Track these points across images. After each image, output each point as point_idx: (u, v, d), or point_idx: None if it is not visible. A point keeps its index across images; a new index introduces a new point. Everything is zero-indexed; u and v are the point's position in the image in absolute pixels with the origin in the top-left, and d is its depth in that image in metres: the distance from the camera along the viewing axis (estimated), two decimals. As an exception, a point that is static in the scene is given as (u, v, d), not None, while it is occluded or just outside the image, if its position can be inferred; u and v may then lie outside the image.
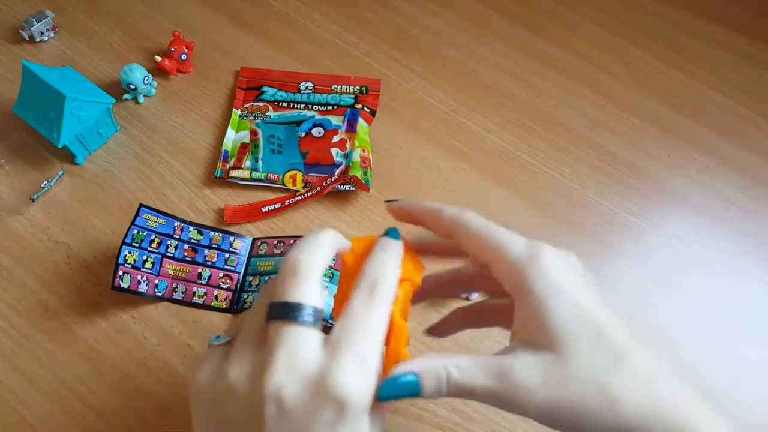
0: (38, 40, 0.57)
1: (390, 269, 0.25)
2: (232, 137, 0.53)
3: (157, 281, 0.45)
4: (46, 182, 0.49)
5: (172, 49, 0.55)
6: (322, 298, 0.24)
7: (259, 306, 0.25)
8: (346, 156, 0.51)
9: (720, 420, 0.22)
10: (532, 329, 0.23)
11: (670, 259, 0.49)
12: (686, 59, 0.60)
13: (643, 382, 0.22)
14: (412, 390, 0.23)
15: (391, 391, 0.23)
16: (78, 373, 0.42)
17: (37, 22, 0.57)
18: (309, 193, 0.49)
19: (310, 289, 0.23)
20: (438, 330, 0.33)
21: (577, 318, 0.23)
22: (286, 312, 0.23)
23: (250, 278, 0.46)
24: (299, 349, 0.22)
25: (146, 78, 0.53)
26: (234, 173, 0.50)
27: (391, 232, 0.27)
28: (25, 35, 0.57)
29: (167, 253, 0.46)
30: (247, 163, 0.51)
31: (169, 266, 0.45)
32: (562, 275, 0.24)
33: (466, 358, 0.23)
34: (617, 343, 0.23)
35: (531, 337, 0.23)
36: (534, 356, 0.23)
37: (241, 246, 0.48)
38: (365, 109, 0.55)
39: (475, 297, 0.43)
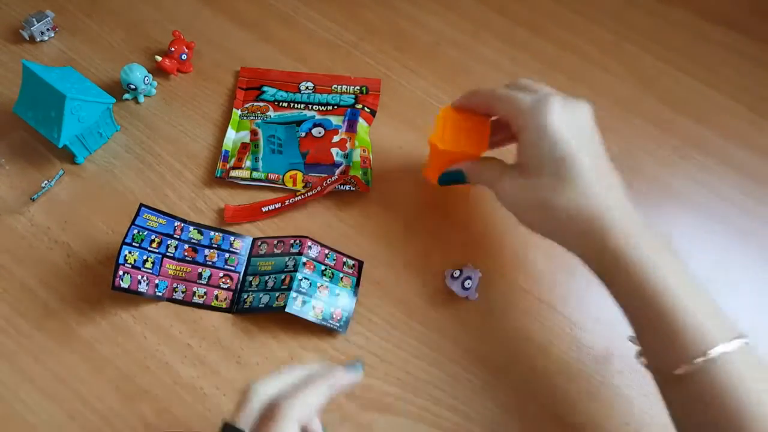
0: (38, 40, 0.57)
1: (304, 402, 0.29)
2: (232, 137, 0.53)
3: (157, 281, 0.45)
4: (46, 182, 0.49)
5: (173, 49, 0.55)
6: None
7: (240, 413, 0.29)
8: (347, 156, 0.51)
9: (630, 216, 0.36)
10: (520, 157, 0.39)
11: (670, 259, 0.49)
12: (686, 59, 0.60)
13: (577, 197, 0.36)
14: (460, 179, 0.43)
15: (451, 177, 0.44)
16: (78, 372, 0.42)
17: (38, 22, 0.57)
18: (309, 193, 0.49)
19: None
20: (460, 102, 0.45)
21: (545, 154, 0.37)
22: None
23: (250, 278, 0.46)
24: None
25: (146, 78, 0.53)
26: (234, 173, 0.50)
27: (355, 366, 0.34)
28: (26, 35, 0.57)
29: (167, 253, 0.46)
30: (248, 163, 0.51)
31: (170, 266, 0.45)
32: (551, 119, 0.37)
33: (491, 163, 0.42)
34: (571, 171, 0.36)
35: (519, 162, 0.39)
36: (515, 173, 0.39)
37: (242, 246, 0.48)
38: (365, 109, 0.55)
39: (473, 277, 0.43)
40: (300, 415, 0.28)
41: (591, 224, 0.35)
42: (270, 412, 0.28)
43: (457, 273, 0.44)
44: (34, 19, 0.57)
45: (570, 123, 0.37)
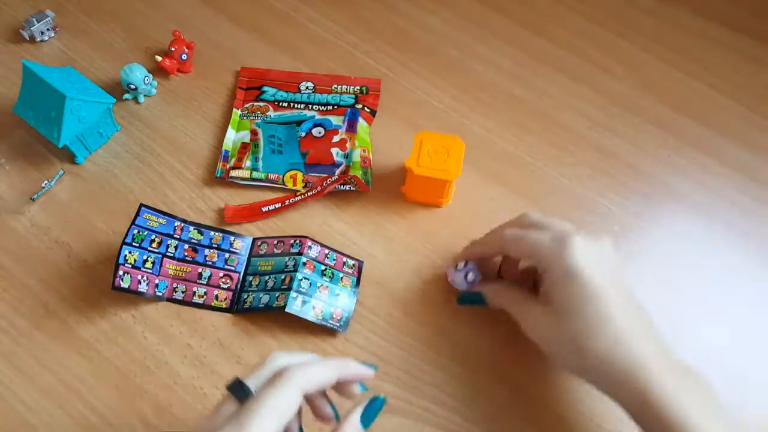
0: (38, 39, 0.57)
1: (314, 374, 0.30)
2: (232, 137, 0.53)
3: (157, 281, 0.45)
4: (46, 182, 0.49)
5: (173, 49, 0.55)
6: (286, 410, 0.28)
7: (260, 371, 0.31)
8: (347, 156, 0.51)
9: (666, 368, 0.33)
10: (547, 295, 0.37)
11: (670, 258, 0.49)
12: (686, 59, 0.60)
13: (612, 344, 0.34)
14: (481, 302, 0.44)
15: (470, 299, 0.45)
16: (78, 372, 0.42)
17: (38, 22, 0.57)
18: (309, 193, 0.49)
19: (278, 400, 0.28)
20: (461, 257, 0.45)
21: (574, 296, 0.35)
22: (240, 395, 0.29)
23: (251, 278, 0.46)
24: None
25: (147, 78, 0.53)
26: (234, 173, 0.50)
27: (369, 365, 0.34)
28: (26, 35, 0.57)
29: (167, 253, 0.46)
30: (248, 162, 0.51)
31: (170, 266, 0.45)
32: (576, 260, 0.35)
33: (515, 292, 0.41)
34: (602, 314, 0.34)
35: (547, 298, 0.37)
36: (543, 307, 0.38)
37: (242, 246, 0.48)
38: (365, 109, 0.55)
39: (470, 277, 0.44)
40: (304, 382, 0.29)
41: (628, 374, 0.33)
42: (278, 375, 0.29)
43: (461, 265, 0.44)
44: (34, 19, 0.57)
45: (595, 262, 0.35)
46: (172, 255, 0.46)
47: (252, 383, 0.30)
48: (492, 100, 0.57)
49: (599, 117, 0.56)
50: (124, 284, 0.42)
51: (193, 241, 0.47)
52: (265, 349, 0.44)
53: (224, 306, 0.45)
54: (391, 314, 0.45)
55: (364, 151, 0.52)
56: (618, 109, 0.57)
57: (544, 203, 0.51)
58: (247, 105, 0.55)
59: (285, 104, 0.55)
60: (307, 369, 0.30)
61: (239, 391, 0.29)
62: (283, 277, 0.45)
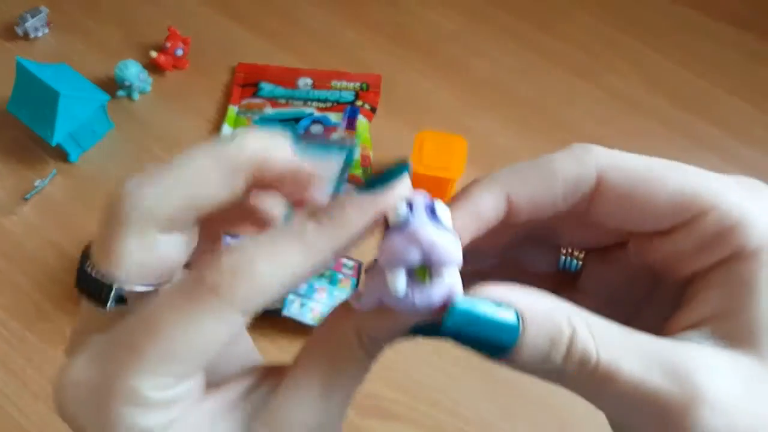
0: (33, 36, 0.57)
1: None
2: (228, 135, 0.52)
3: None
4: (39, 181, 0.49)
5: (168, 45, 0.54)
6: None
7: None
8: (346, 154, 0.50)
9: None
10: (733, 320, 0.14)
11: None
12: (693, 57, 0.59)
13: None
14: (502, 339, 0.13)
15: (469, 327, 0.13)
16: (71, 376, 0.42)
17: (32, 18, 0.56)
18: (307, 193, 0.48)
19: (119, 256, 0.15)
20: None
21: None
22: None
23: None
24: None
25: (141, 74, 0.53)
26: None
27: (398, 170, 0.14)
28: (20, 31, 0.56)
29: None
30: (244, 161, 0.50)
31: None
32: None
33: (598, 318, 0.14)
34: None
35: (727, 328, 0.14)
36: (729, 353, 0.14)
37: (238, 246, 0.47)
38: (365, 106, 0.54)
39: None
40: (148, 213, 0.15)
41: None
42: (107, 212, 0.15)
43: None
44: (28, 15, 0.56)
45: None
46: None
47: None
48: (495, 97, 0.56)
49: (605, 115, 0.55)
50: (118, 286, 0.42)
51: (188, 241, 0.46)
52: (263, 354, 0.43)
53: (220, 308, 0.44)
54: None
55: (364, 149, 0.51)
56: (624, 107, 0.56)
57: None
58: (243, 102, 0.54)
59: (283, 101, 0.54)
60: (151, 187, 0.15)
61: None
62: (280, 278, 0.44)
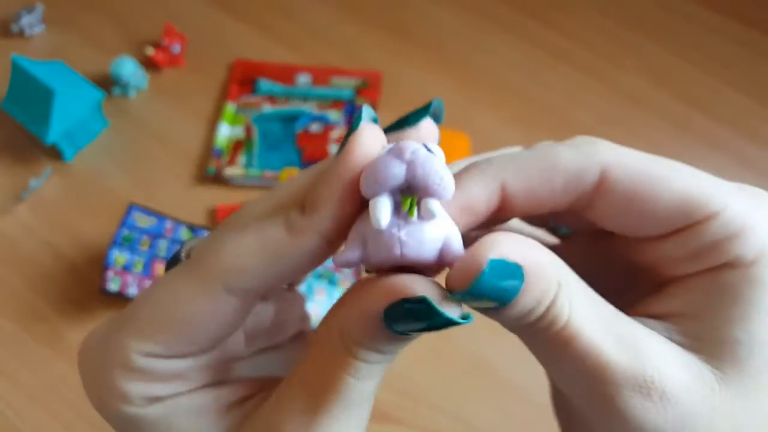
0: (28, 33, 0.56)
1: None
2: (226, 133, 0.51)
3: (147, 284, 0.43)
4: (34, 180, 0.48)
5: (165, 42, 0.54)
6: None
7: None
8: (345, 153, 0.50)
9: None
10: (703, 323, 0.13)
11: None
12: (700, 54, 0.58)
13: None
14: (507, 297, 0.12)
15: (487, 291, 0.12)
16: (67, 378, 0.41)
17: (27, 14, 0.55)
18: (306, 192, 0.48)
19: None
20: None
21: None
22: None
23: (245, 280, 0.45)
24: None
25: (137, 72, 0.52)
26: (228, 171, 0.49)
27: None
28: (15, 29, 0.56)
29: (158, 255, 0.44)
30: (242, 160, 0.49)
31: (160, 268, 0.44)
32: None
33: (579, 281, 0.13)
34: None
35: (693, 329, 0.13)
36: (681, 351, 0.13)
37: (236, 247, 0.46)
38: (366, 104, 0.53)
39: None
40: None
41: None
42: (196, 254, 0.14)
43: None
44: (24, 12, 0.55)
45: None
46: (162, 256, 0.44)
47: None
48: (498, 94, 0.55)
49: (610, 112, 0.54)
50: (114, 287, 0.41)
51: (184, 241, 0.46)
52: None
53: (217, 309, 0.44)
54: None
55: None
56: (630, 104, 0.55)
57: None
58: (241, 99, 0.53)
59: (281, 98, 0.53)
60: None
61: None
62: (278, 279, 0.43)
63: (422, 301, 0.11)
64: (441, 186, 0.12)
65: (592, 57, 0.57)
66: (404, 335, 0.12)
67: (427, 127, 0.14)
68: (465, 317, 0.12)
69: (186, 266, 0.13)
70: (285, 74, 0.54)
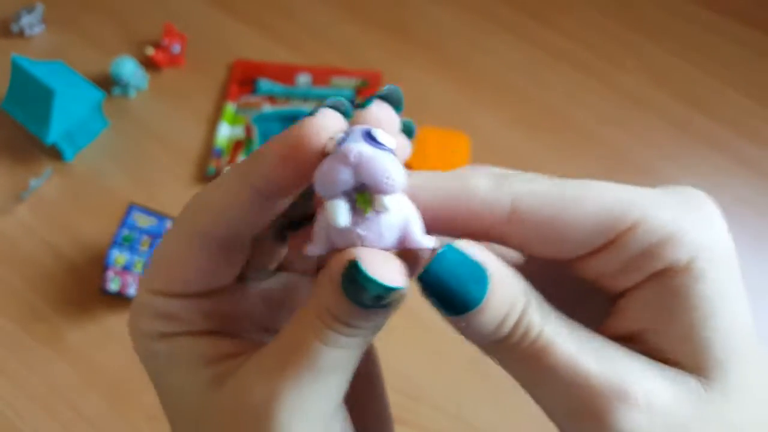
0: (28, 33, 0.56)
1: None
2: (226, 133, 0.51)
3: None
4: (34, 180, 0.48)
5: (165, 42, 0.54)
6: None
7: None
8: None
9: None
10: (664, 335, 0.13)
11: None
12: (700, 54, 0.57)
13: None
14: (473, 295, 0.12)
15: (450, 276, 0.12)
16: (67, 377, 0.41)
17: (28, 14, 0.55)
18: (306, 192, 0.48)
19: None
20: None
21: (739, 335, 0.13)
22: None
23: (245, 280, 0.45)
24: None
25: (138, 71, 0.52)
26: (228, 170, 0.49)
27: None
28: (15, 29, 0.56)
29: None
30: (242, 159, 0.50)
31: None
32: (725, 277, 0.14)
33: (544, 299, 0.14)
34: None
35: (657, 343, 0.14)
36: (658, 367, 0.13)
37: (236, 247, 0.46)
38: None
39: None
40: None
41: None
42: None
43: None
44: (24, 11, 0.55)
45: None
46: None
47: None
48: (498, 94, 0.55)
49: (610, 113, 0.54)
50: (114, 287, 0.41)
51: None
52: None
53: (217, 309, 0.44)
54: (392, 318, 0.44)
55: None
56: (629, 104, 0.55)
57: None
58: (241, 99, 0.53)
59: (281, 98, 0.53)
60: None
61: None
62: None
63: (354, 266, 0.12)
64: (389, 182, 0.12)
65: (592, 57, 0.57)
66: (366, 308, 0.13)
67: (377, 111, 0.14)
68: (397, 286, 0.12)
69: (177, 216, 0.16)
70: (285, 74, 0.54)
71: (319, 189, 0.13)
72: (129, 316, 0.16)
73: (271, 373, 0.13)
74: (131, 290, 0.42)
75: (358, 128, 0.13)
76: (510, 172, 0.14)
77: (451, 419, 0.40)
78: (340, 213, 0.12)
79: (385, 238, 0.13)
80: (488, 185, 0.13)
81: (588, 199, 0.13)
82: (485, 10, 0.60)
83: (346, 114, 0.14)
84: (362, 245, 0.12)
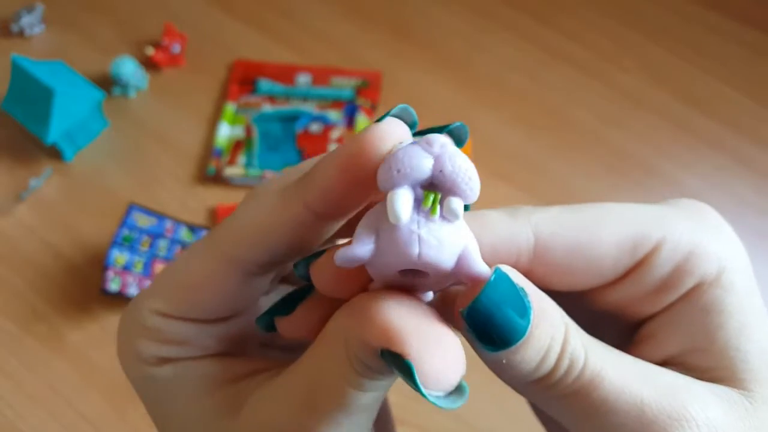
0: (28, 33, 0.56)
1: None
2: (226, 133, 0.51)
3: (147, 284, 0.43)
4: (34, 180, 0.48)
5: (165, 42, 0.54)
6: None
7: None
8: (345, 153, 0.50)
9: None
10: (706, 354, 0.13)
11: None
12: (700, 54, 0.58)
13: None
14: (517, 328, 0.11)
15: (501, 306, 0.11)
16: (68, 378, 0.41)
17: (27, 14, 0.55)
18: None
19: None
20: None
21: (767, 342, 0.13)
22: None
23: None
24: None
25: (137, 71, 0.52)
26: (228, 171, 0.49)
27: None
28: (15, 28, 0.56)
29: (158, 255, 0.44)
30: (242, 160, 0.49)
31: (160, 268, 0.44)
32: (748, 286, 0.14)
33: (582, 333, 0.12)
34: None
35: (701, 362, 0.13)
36: (707, 385, 0.13)
37: (236, 247, 0.46)
38: (366, 103, 0.53)
39: None
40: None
41: None
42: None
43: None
44: (24, 11, 0.55)
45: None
46: (162, 256, 0.44)
47: None
48: (498, 94, 0.55)
49: (611, 113, 0.54)
50: (114, 287, 0.41)
51: (184, 241, 0.46)
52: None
53: (218, 309, 0.44)
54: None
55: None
56: (630, 104, 0.55)
57: (553, 204, 0.49)
58: (241, 99, 0.53)
59: (281, 98, 0.53)
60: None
61: None
62: (278, 279, 0.43)
63: (407, 368, 0.11)
64: (468, 186, 0.10)
65: (592, 57, 0.57)
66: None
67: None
68: (452, 401, 0.11)
69: (202, 238, 0.14)
70: (285, 74, 0.54)
71: (384, 175, 0.11)
72: (121, 336, 0.14)
73: (301, 409, 0.12)
74: (131, 290, 0.42)
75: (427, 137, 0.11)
76: (513, 207, 0.13)
77: (451, 419, 0.40)
78: (404, 205, 0.10)
79: (446, 252, 0.11)
80: (506, 219, 0.13)
81: (609, 221, 0.13)
82: (485, 10, 0.60)
83: (411, 124, 0.13)
84: (420, 253, 0.10)
